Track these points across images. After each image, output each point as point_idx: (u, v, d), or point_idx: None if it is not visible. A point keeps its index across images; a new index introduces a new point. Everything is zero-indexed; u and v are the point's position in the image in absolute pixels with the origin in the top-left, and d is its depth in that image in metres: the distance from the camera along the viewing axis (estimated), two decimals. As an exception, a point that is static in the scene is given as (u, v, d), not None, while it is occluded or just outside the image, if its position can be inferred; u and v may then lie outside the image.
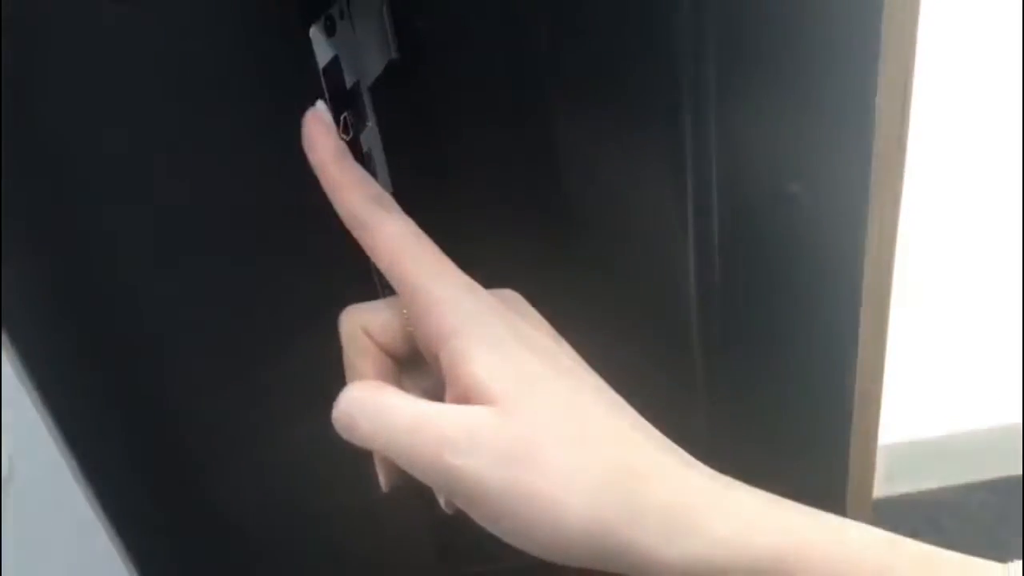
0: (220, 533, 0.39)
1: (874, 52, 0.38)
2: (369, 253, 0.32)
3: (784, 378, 0.47)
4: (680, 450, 0.30)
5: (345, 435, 0.31)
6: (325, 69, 0.35)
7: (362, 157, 0.39)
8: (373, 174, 0.40)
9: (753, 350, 0.46)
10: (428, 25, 0.36)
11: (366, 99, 0.39)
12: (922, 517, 1.42)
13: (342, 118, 0.37)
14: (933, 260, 1.25)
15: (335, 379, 0.40)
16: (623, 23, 0.35)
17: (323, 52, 0.35)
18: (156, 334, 0.34)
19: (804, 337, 0.46)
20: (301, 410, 0.39)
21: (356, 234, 0.32)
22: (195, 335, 0.35)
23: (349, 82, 0.37)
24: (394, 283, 0.32)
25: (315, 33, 0.35)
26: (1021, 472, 1.43)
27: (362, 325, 0.33)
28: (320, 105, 0.33)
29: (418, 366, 0.34)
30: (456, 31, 0.36)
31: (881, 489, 1.40)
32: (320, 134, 0.32)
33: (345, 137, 0.37)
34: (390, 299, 0.34)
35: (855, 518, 0.29)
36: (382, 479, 0.35)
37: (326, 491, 0.41)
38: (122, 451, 0.36)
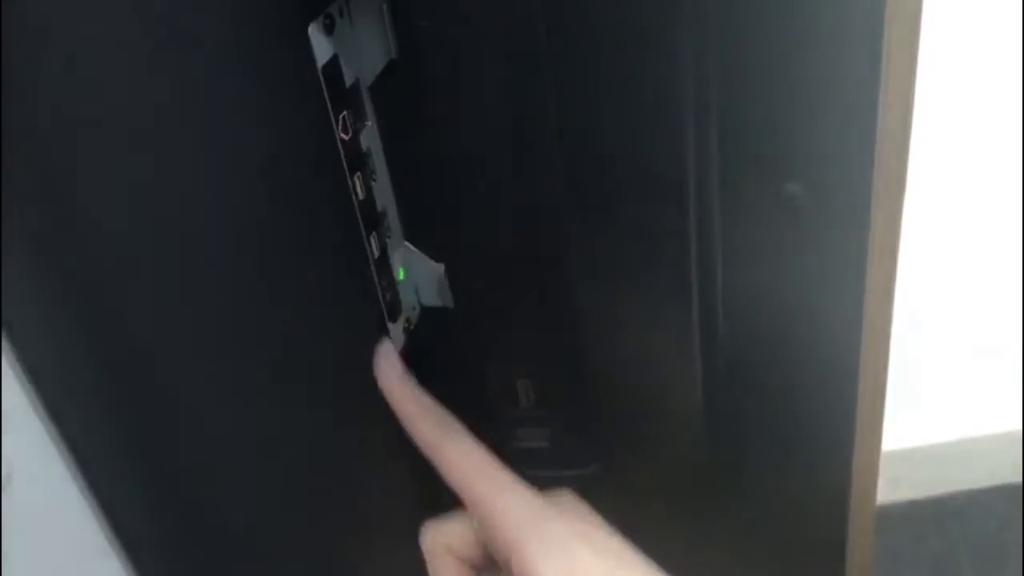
0: (221, 536, 0.39)
1: (876, 53, 0.38)
2: (441, 471, 0.38)
3: (786, 384, 0.47)
4: None
5: None
6: (324, 68, 0.35)
7: (361, 156, 0.39)
8: (373, 173, 0.40)
9: (754, 356, 0.46)
10: (429, 24, 0.36)
11: (366, 98, 0.39)
12: (926, 522, 1.41)
13: (341, 117, 0.37)
14: (936, 265, 1.25)
15: (339, 379, 0.40)
16: (624, 23, 0.35)
17: (322, 50, 0.35)
18: (158, 335, 0.34)
19: (806, 343, 0.46)
20: (305, 412, 0.39)
21: (428, 455, 0.38)
22: (197, 336, 0.35)
23: (348, 81, 0.37)
24: (464, 499, 0.37)
25: (314, 31, 0.35)
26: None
27: (442, 542, 0.39)
28: (387, 343, 0.40)
29: (495, 569, 0.39)
30: (456, 30, 0.36)
31: (885, 495, 1.40)
32: (393, 378, 0.39)
33: (344, 136, 0.37)
34: (463, 514, 0.39)
35: (858, 523, 0.29)
36: None
37: (330, 498, 0.41)
38: (122, 453, 0.36)
